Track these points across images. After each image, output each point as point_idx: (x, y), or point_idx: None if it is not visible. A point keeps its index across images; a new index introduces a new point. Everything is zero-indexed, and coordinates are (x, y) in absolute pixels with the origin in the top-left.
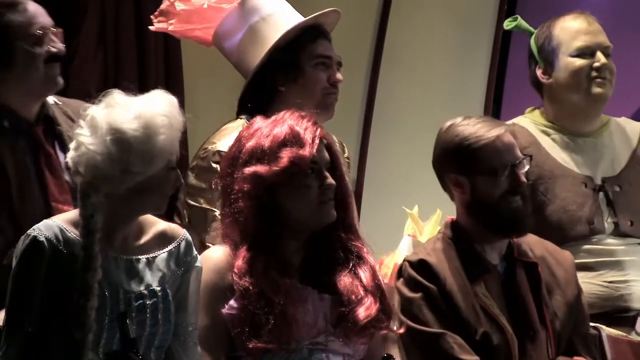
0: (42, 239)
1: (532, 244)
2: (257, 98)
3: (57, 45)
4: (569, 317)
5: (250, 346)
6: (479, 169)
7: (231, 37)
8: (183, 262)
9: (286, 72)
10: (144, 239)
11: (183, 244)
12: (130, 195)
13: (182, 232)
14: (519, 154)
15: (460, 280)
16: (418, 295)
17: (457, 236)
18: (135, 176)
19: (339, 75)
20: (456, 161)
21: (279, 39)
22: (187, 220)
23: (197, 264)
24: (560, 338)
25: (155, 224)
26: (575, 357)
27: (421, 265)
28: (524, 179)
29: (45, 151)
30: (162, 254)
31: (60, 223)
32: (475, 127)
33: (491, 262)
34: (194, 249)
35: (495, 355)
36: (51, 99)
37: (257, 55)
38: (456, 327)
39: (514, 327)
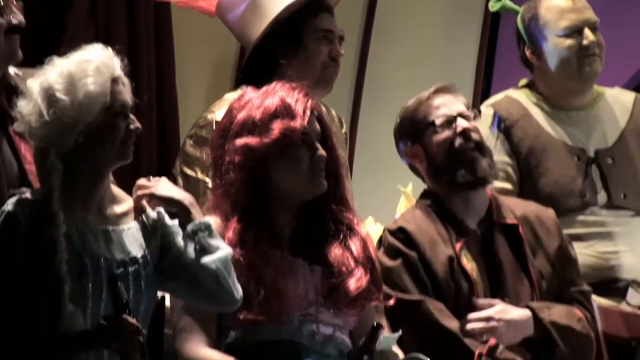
0: (16, 213)
1: (513, 205)
2: (258, 70)
3: (17, 16)
4: (553, 275)
5: (241, 318)
6: (422, 129)
7: (234, 9)
8: (156, 229)
9: (287, 45)
10: (120, 209)
11: (150, 216)
12: (82, 149)
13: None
14: (460, 107)
15: (439, 244)
16: (398, 262)
17: (434, 203)
18: (73, 127)
19: (340, 50)
20: (404, 132)
21: (281, 11)
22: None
23: (170, 222)
24: (546, 298)
25: (127, 199)
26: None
27: (400, 233)
28: (466, 124)
29: (12, 118)
30: (135, 223)
31: (31, 195)
32: (414, 99)
33: (469, 226)
34: (165, 216)
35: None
36: (12, 70)
37: (259, 27)
38: (437, 292)
39: (492, 292)
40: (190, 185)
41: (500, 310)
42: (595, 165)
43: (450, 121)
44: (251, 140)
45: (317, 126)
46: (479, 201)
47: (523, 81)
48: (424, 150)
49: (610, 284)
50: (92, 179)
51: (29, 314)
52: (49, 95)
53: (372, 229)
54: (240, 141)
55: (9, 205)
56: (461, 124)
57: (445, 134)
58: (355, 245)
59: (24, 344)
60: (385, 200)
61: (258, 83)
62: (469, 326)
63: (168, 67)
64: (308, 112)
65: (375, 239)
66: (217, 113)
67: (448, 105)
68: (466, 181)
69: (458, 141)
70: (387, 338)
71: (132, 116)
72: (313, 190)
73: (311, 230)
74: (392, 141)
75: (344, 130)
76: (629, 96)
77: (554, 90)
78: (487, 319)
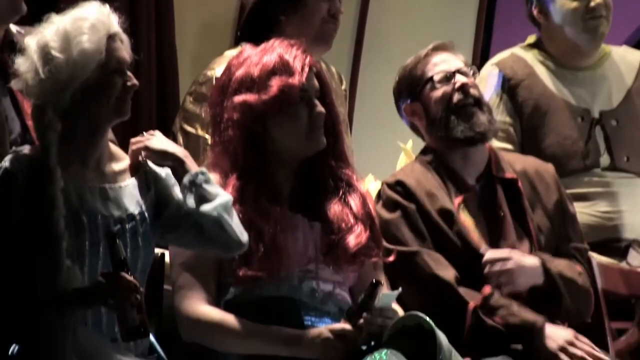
0: (14, 170)
1: (512, 160)
2: (258, 27)
3: None
4: (552, 229)
5: (240, 274)
6: (421, 86)
7: None
8: (150, 183)
9: (286, 1)
10: (118, 167)
11: (147, 169)
12: (78, 107)
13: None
14: (459, 63)
15: (438, 198)
16: (396, 214)
17: (434, 159)
18: (68, 85)
19: (340, 7)
20: (404, 89)
21: None
22: (181, 145)
23: (164, 175)
24: (547, 252)
25: (125, 157)
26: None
27: (398, 186)
28: (465, 80)
29: (15, 74)
30: (132, 180)
31: (29, 152)
32: (413, 57)
33: (468, 182)
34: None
35: (478, 269)
36: (14, 28)
37: None
38: (436, 243)
39: (492, 245)
40: (190, 142)
41: (515, 254)
42: (599, 127)
43: (448, 77)
44: (249, 97)
45: (316, 83)
46: (478, 156)
47: (530, 39)
48: (423, 107)
49: (612, 243)
50: (89, 135)
51: (27, 271)
52: (44, 53)
53: (371, 186)
54: (238, 98)
55: (6, 161)
56: (460, 79)
57: (444, 89)
58: (354, 201)
59: (21, 302)
60: (385, 157)
61: (257, 40)
62: (487, 270)
63: (168, 24)
64: (306, 69)
65: (374, 195)
66: (217, 70)
67: (447, 62)
68: (465, 137)
69: (457, 96)
70: (387, 295)
71: (129, 73)
72: (312, 147)
73: (310, 186)
74: (392, 98)
75: (343, 87)
76: (636, 55)
77: (561, 49)
78: (504, 260)
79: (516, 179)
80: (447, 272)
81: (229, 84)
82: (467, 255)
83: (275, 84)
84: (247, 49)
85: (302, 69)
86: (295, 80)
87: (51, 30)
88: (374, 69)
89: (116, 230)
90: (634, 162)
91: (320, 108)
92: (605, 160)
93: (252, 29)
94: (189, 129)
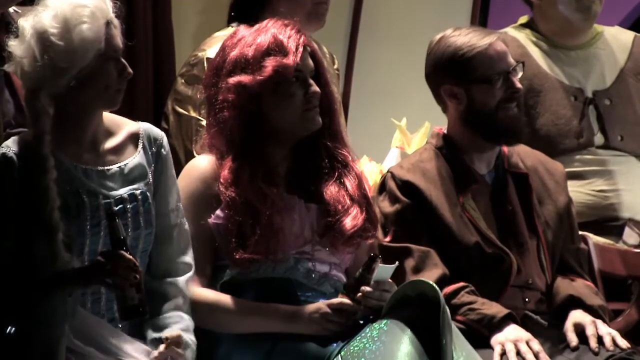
0: (10, 154)
1: (524, 154)
2: (251, 6)
3: None
4: (560, 226)
5: (237, 257)
6: (474, 78)
7: None
8: (151, 155)
9: None
10: (114, 142)
11: (145, 140)
12: (74, 93)
13: (140, 127)
14: (512, 61)
15: (446, 192)
16: (399, 207)
17: (446, 146)
18: (66, 72)
19: None
20: (451, 72)
21: None
22: (173, 127)
23: (164, 151)
24: (554, 249)
25: (122, 127)
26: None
27: (402, 183)
28: (519, 85)
29: (9, 57)
30: (133, 159)
31: (25, 136)
32: (468, 37)
33: (479, 173)
34: (157, 136)
35: (489, 262)
36: (11, 8)
37: None
38: (443, 237)
39: (501, 239)
40: (182, 123)
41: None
42: (593, 106)
43: (504, 78)
44: (244, 78)
45: (311, 62)
46: (492, 149)
47: (522, 19)
48: (467, 95)
49: (608, 222)
50: (80, 120)
51: (25, 254)
52: (43, 39)
53: (367, 167)
54: (233, 79)
55: (4, 146)
56: (515, 84)
57: (498, 90)
58: (350, 182)
59: (19, 282)
60: (380, 136)
61: (250, 20)
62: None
63: (164, 7)
64: (301, 49)
65: (370, 177)
66: (208, 51)
67: (503, 60)
68: (502, 138)
69: (507, 100)
70: (384, 268)
71: (124, 62)
72: (307, 127)
73: (306, 167)
74: (389, 77)
75: (335, 67)
76: (628, 35)
77: (553, 28)
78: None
79: (527, 174)
80: (431, 274)
81: (223, 64)
82: (473, 249)
83: (269, 64)
84: (242, 29)
85: (297, 48)
86: (290, 60)
87: (49, 15)
88: (370, 48)
89: (116, 210)
90: (628, 141)
91: (315, 87)
92: (599, 139)
93: (244, 9)
94: (181, 110)
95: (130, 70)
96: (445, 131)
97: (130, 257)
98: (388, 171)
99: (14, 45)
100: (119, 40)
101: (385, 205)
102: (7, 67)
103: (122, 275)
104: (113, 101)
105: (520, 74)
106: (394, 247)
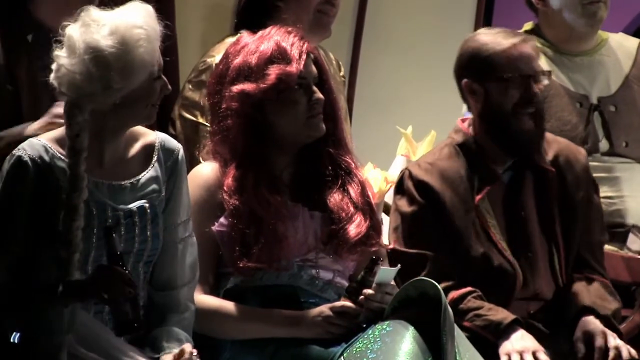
0: (26, 158)
1: (548, 142)
2: (256, 13)
3: None
4: (576, 227)
5: (241, 265)
6: (491, 76)
7: None
8: (166, 168)
9: None
10: (130, 154)
11: (161, 153)
12: (117, 110)
13: (157, 139)
14: (538, 66)
15: (461, 196)
16: (414, 209)
17: (466, 142)
18: (117, 92)
19: None
20: (470, 67)
21: None
22: (180, 133)
23: (179, 164)
24: (570, 250)
25: (139, 137)
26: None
27: (419, 183)
28: (536, 90)
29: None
30: (146, 173)
31: (46, 142)
32: (494, 36)
33: (497, 171)
34: (174, 148)
35: (494, 275)
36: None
37: None
38: (452, 244)
39: (511, 248)
40: (189, 128)
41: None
42: (598, 113)
43: (524, 82)
44: (247, 86)
45: (314, 69)
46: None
47: (527, 25)
48: (485, 93)
49: (612, 228)
50: (113, 135)
51: (29, 264)
52: (99, 58)
53: (371, 174)
54: (236, 87)
55: (20, 149)
56: (533, 89)
57: (515, 93)
58: (354, 190)
59: (23, 289)
60: (385, 143)
61: (256, 27)
62: None
63: (168, 13)
64: (304, 56)
65: (374, 184)
66: (217, 57)
67: (527, 63)
68: (510, 154)
69: (522, 105)
70: (386, 271)
71: (164, 78)
72: (311, 133)
73: (310, 175)
74: (393, 84)
75: (341, 74)
76: (632, 42)
77: (558, 35)
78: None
79: (550, 171)
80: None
81: (226, 72)
82: (479, 260)
83: (272, 72)
84: (245, 36)
85: (300, 56)
86: (293, 67)
87: (104, 32)
88: (374, 55)
89: (112, 224)
90: (633, 147)
91: (319, 94)
92: (604, 145)
93: (250, 15)
94: (188, 116)
95: (170, 87)
96: (468, 126)
97: (126, 271)
98: (406, 168)
99: (62, 57)
100: (160, 56)
101: (402, 204)
102: (53, 78)
103: (117, 290)
104: (151, 117)
105: (545, 82)
106: (409, 253)
